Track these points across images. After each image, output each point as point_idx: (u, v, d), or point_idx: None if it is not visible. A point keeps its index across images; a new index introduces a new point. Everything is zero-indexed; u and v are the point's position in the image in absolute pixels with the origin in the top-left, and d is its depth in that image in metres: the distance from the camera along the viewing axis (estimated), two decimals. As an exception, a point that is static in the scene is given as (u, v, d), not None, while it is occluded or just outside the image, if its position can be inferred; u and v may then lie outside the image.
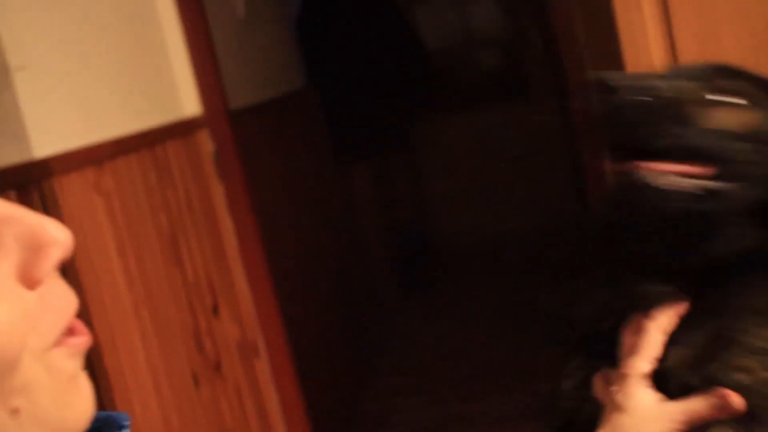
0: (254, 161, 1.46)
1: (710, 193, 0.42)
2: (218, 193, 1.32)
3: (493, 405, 1.83)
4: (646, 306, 0.44)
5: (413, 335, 2.44)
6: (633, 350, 0.45)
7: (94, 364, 0.94)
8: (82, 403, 0.27)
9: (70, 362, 0.25)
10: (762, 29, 0.89)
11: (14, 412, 0.23)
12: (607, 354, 0.47)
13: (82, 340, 0.26)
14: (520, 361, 1.86)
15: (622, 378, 0.45)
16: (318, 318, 1.80)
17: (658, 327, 0.45)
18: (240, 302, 1.29)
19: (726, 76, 0.48)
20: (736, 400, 0.39)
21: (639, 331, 0.45)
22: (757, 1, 0.89)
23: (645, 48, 0.94)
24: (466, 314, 2.51)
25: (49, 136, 1.06)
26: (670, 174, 0.42)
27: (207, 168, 1.34)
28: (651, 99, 0.43)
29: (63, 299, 0.24)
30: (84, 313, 0.97)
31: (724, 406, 0.40)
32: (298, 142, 1.95)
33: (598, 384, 0.48)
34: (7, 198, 0.57)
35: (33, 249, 0.21)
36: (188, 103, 1.33)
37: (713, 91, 0.46)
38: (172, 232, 1.22)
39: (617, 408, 0.45)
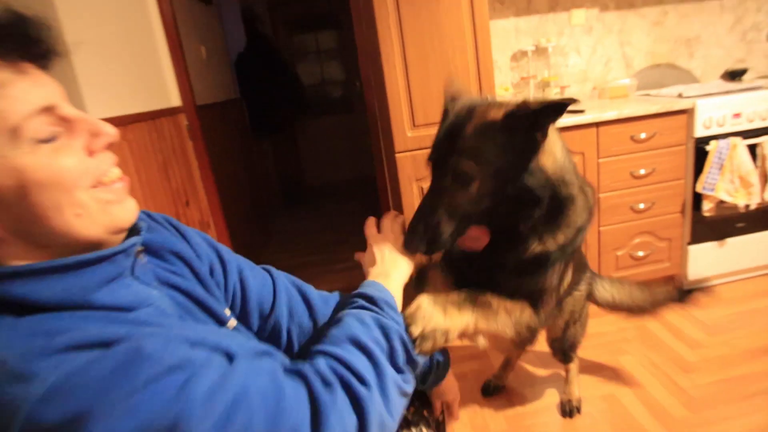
0: (209, 132, 2.62)
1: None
2: (189, 146, 2.44)
3: (339, 258, 3.24)
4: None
5: (291, 225, 4.38)
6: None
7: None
8: (122, 212, 0.50)
9: (109, 194, 0.45)
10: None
11: (77, 216, 0.44)
12: None
13: (122, 185, 0.50)
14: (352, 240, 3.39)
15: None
16: (242, 212, 3.04)
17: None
18: (200, 200, 2.42)
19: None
20: None
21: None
22: (446, 63, 1.90)
23: (397, 95, 1.95)
24: (320, 216, 4.51)
25: (94, 107, 1.61)
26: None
27: (183, 134, 2.45)
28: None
29: (108, 163, 0.46)
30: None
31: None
32: (233, 125, 3.18)
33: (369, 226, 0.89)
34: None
35: (94, 135, 0.42)
36: (174, 99, 2.39)
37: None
38: (165, 163, 2.23)
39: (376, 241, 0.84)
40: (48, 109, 0.45)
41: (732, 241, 2.40)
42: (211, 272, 0.74)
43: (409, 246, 0.84)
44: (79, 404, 0.41)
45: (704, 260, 2.40)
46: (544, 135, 0.80)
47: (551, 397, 1.85)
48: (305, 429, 0.51)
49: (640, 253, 2.35)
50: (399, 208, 2.16)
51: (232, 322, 0.74)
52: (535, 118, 0.76)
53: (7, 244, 0.46)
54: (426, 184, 2.04)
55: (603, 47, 2.73)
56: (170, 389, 0.44)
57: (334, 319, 0.69)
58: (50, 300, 0.46)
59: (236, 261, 0.82)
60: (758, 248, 2.44)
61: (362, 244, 0.95)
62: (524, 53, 2.63)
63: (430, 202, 0.83)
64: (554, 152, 0.86)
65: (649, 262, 2.38)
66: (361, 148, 5.30)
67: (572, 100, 0.74)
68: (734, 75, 2.69)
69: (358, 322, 0.65)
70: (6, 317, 0.44)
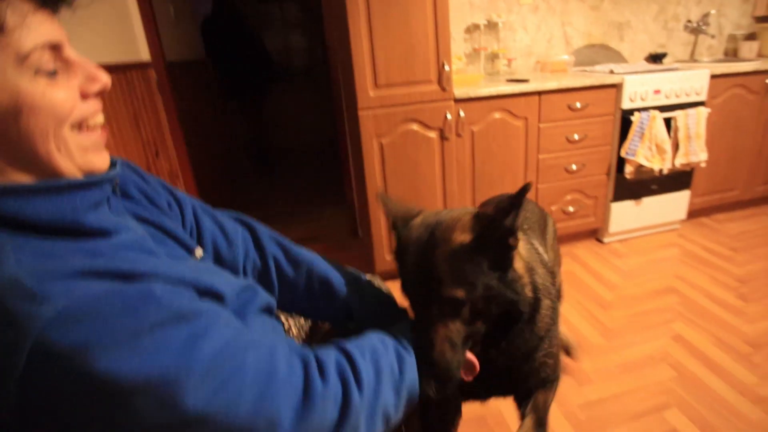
0: (178, 88, 2.69)
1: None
2: (158, 98, 2.50)
3: (303, 210, 3.45)
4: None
5: (257, 185, 4.57)
6: None
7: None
8: (98, 160, 0.52)
9: (88, 142, 0.49)
10: (410, 47, 2.06)
11: (58, 149, 0.46)
12: None
13: (101, 135, 0.53)
14: (317, 200, 3.44)
15: None
16: (209, 167, 3.14)
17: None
18: (169, 152, 2.52)
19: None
20: None
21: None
22: (408, 30, 2.08)
23: (361, 56, 2.13)
24: (285, 178, 4.72)
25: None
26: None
27: (153, 88, 2.48)
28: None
29: (96, 109, 0.49)
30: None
31: None
32: (202, 84, 3.25)
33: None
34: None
35: (90, 79, 0.45)
36: (144, 53, 2.43)
37: None
38: (135, 115, 2.29)
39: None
40: (55, 47, 0.49)
41: (647, 200, 2.78)
42: (170, 208, 0.77)
43: (425, 390, 0.72)
44: (87, 333, 0.41)
45: (623, 216, 2.77)
46: (516, 238, 0.75)
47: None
48: (288, 410, 0.52)
49: (571, 209, 2.68)
50: (359, 165, 2.36)
51: (199, 251, 0.76)
52: (503, 225, 0.72)
53: None
54: (385, 140, 2.26)
55: (547, 25, 3.01)
56: (176, 341, 0.45)
57: (365, 334, 0.71)
58: (42, 218, 0.47)
59: (190, 200, 0.83)
60: (667, 207, 2.84)
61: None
62: (477, 26, 2.87)
63: (425, 337, 0.74)
64: (520, 251, 0.84)
65: (577, 217, 2.72)
66: (323, 114, 5.52)
67: (527, 187, 0.69)
68: (656, 58, 3.05)
69: (381, 345, 0.68)
70: (3, 234, 0.45)
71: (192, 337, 0.47)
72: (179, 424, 0.44)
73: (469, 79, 2.53)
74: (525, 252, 0.87)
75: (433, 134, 2.32)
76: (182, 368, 0.44)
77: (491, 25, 2.87)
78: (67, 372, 0.40)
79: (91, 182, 0.53)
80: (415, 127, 2.28)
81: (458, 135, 2.36)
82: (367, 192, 2.35)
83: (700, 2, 3.26)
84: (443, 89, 2.25)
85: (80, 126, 0.52)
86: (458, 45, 2.89)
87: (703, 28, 3.20)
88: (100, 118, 0.54)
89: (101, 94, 0.54)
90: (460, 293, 0.72)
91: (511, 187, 2.54)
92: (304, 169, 5.10)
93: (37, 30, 0.46)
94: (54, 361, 0.40)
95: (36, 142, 0.47)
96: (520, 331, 0.83)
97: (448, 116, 2.29)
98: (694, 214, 3.00)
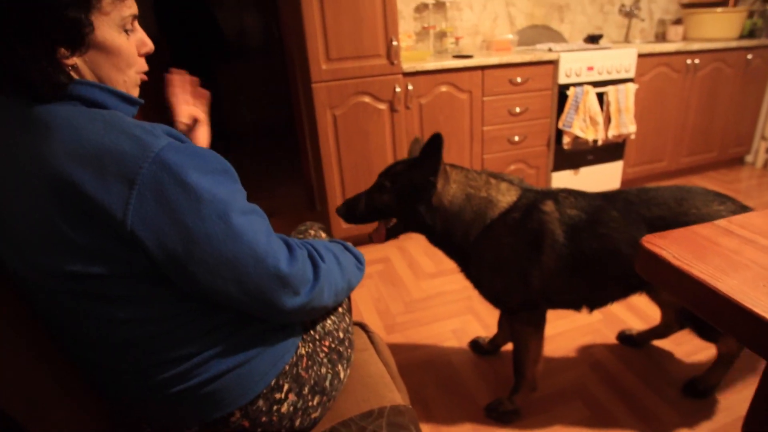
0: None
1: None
2: None
3: (262, 187, 3.42)
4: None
5: None
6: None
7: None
8: (136, 92, 0.78)
9: (136, 79, 0.77)
10: (360, 22, 2.18)
11: (124, 81, 0.74)
12: None
13: (140, 79, 0.79)
14: (274, 177, 3.47)
15: None
16: None
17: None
18: None
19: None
20: None
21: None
22: (357, 8, 2.21)
23: (314, 30, 2.32)
24: (243, 156, 4.79)
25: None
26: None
27: None
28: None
29: (143, 63, 0.78)
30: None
31: None
32: (156, 61, 3.25)
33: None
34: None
35: (142, 43, 0.76)
36: None
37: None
38: None
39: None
40: (135, 17, 0.73)
41: (584, 170, 3.00)
42: None
43: (338, 210, 1.35)
44: (183, 159, 0.64)
45: (563, 185, 2.99)
46: (432, 180, 1.24)
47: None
48: (283, 254, 0.74)
49: (514, 178, 2.87)
50: (315, 136, 2.46)
51: None
52: (424, 164, 1.22)
53: (82, 72, 0.69)
54: (338, 112, 2.38)
55: (492, 5, 3.17)
56: (227, 185, 0.69)
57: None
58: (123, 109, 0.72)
59: None
60: (603, 176, 3.08)
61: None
62: (426, 6, 3.00)
63: (362, 193, 1.34)
64: (453, 190, 1.29)
65: (521, 186, 2.91)
66: (280, 93, 5.60)
67: (438, 138, 1.17)
68: (593, 39, 3.27)
69: (329, 243, 0.96)
70: (99, 110, 0.67)
71: (234, 189, 0.71)
72: (228, 233, 0.67)
73: (417, 56, 2.66)
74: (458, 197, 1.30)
75: (383, 106, 2.44)
76: (230, 200, 0.68)
77: (439, 5, 3.01)
78: (173, 176, 0.63)
79: (137, 101, 0.77)
80: (366, 99, 2.40)
81: (407, 107, 2.50)
82: (323, 163, 2.46)
83: (633, -13, 3.50)
84: (392, 63, 2.37)
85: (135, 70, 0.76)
86: (408, 23, 3.01)
87: (636, 12, 3.45)
88: (144, 68, 0.79)
89: (146, 54, 0.78)
90: (387, 182, 1.29)
91: (457, 158, 2.70)
92: (261, 147, 5.14)
93: (131, 5, 0.71)
94: (166, 169, 0.63)
95: (111, 70, 0.71)
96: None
97: (397, 89, 2.42)
98: (627, 183, 3.25)
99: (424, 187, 1.24)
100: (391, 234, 1.36)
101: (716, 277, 0.50)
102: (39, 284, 0.68)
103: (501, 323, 1.75)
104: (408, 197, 1.27)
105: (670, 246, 0.58)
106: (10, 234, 0.66)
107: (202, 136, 1.13)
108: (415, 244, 2.72)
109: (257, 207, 0.76)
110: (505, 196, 1.28)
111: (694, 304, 0.52)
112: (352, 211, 1.33)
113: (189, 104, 1.16)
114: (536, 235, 1.24)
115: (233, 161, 0.75)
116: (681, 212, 1.21)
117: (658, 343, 1.80)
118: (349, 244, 1.01)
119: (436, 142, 1.16)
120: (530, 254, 1.25)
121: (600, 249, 1.23)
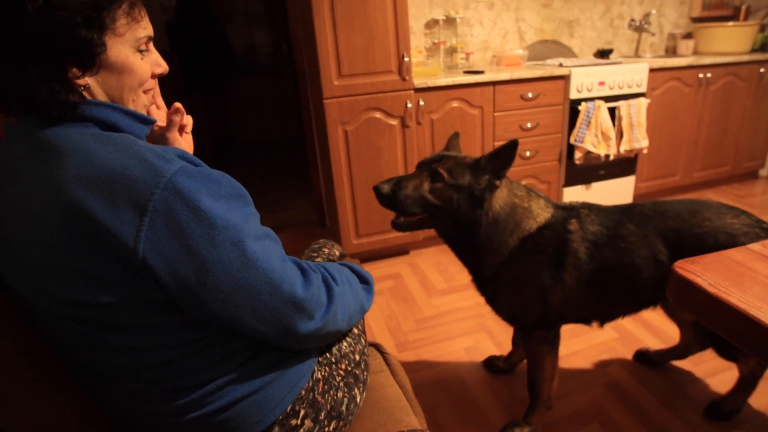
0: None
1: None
2: None
3: (266, 202, 3.38)
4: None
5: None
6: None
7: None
8: (147, 113, 0.81)
9: (146, 100, 0.79)
10: (372, 39, 2.20)
11: (133, 100, 0.74)
12: None
13: (151, 99, 0.84)
14: (284, 192, 3.48)
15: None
16: None
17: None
18: None
19: (438, 160, 1.21)
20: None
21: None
22: (369, 25, 2.28)
23: (326, 47, 2.24)
24: (252, 171, 4.82)
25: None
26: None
27: None
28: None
29: (155, 84, 0.82)
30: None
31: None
32: (166, 78, 3.30)
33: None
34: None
35: (156, 64, 0.77)
36: None
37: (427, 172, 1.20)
38: None
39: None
40: (150, 38, 0.73)
41: (596, 185, 2.98)
42: None
43: (380, 184, 1.19)
44: (195, 184, 0.62)
45: (575, 200, 2.96)
46: (497, 184, 1.19)
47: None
48: (298, 278, 0.73)
49: (526, 193, 2.85)
50: (325, 151, 2.46)
51: None
52: (491, 165, 1.17)
53: (94, 92, 0.69)
54: (349, 128, 2.38)
55: (502, 21, 3.18)
56: (240, 210, 0.67)
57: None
58: (132, 130, 0.71)
59: None
60: (615, 191, 3.05)
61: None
62: (436, 22, 3.01)
63: (408, 176, 1.21)
64: (503, 197, 1.24)
65: (532, 201, 2.89)
66: (289, 109, 5.65)
67: (516, 143, 1.13)
68: (603, 53, 3.27)
69: (340, 265, 0.94)
70: (111, 133, 0.67)
71: (248, 213, 0.69)
72: (242, 260, 0.66)
73: (428, 71, 2.66)
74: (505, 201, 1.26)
75: (394, 122, 2.44)
76: (244, 226, 0.66)
77: (449, 21, 3.02)
78: (185, 202, 0.61)
79: (149, 120, 0.76)
80: (377, 115, 2.40)
81: (418, 123, 2.49)
82: (334, 179, 2.45)
83: (642, 2, 3.50)
84: (403, 79, 2.38)
85: (146, 91, 0.76)
86: (419, 39, 3.03)
87: (645, 26, 3.44)
88: (156, 89, 0.82)
89: (160, 76, 0.79)
90: (444, 172, 1.18)
91: (470, 173, 2.68)
92: (270, 162, 5.15)
93: (146, 27, 0.72)
94: (178, 195, 0.61)
95: (123, 90, 0.71)
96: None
97: (409, 105, 2.42)
98: (639, 198, 3.22)
99: (489, 187, 1.19)
100: (414, 226, 1.26)
101: (758, 307, 0.48)
102: (48, 310, 0.67)
103: (515, 341, 1.72)
104: (465, 192, 1.19)
105: (704, 272, 0.56)
106: (20, 259, 0.65)
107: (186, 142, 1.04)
108: (426, 260, 2.69)
109: (270, 231, 0.74)
110: (543, 212, 1.27)
111: (733, 334, 0.50)
112: (400, 193, 1.19)
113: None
114: (560, 253, 1.23)
115: (241, 176, 0.74)
116: (695, 224, 1.20)
117: (676, 362, 1.76)
118: (358, 266, 0.99)
119: (513, 146, 1.13)
120: (553, 273, 1.24)
121: (618, 263, 1.23)
